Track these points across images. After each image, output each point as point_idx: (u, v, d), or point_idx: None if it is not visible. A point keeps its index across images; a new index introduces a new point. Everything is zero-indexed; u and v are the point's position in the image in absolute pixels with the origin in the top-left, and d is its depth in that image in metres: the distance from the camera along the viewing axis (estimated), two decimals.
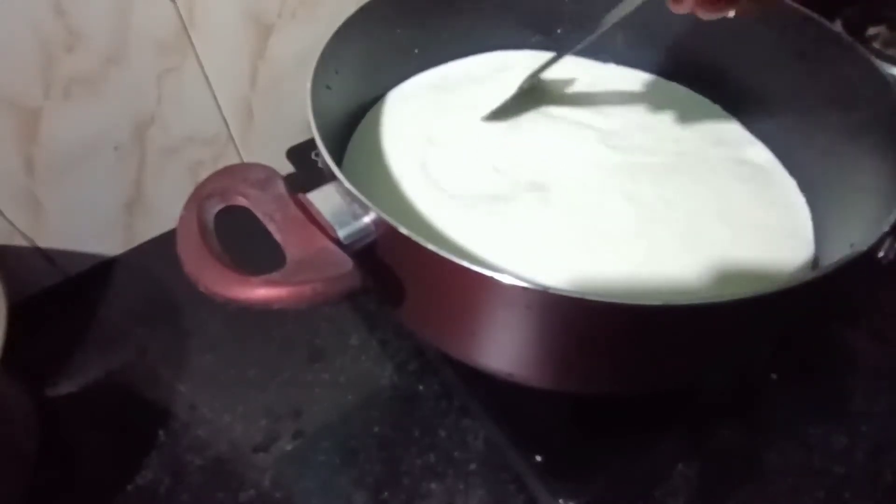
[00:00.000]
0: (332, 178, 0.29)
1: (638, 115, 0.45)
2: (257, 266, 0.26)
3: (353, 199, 0.28)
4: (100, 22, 0.40)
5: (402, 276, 0.30)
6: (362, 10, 0.39)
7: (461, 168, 0.40)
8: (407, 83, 0.47)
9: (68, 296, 0.48)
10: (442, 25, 0.47)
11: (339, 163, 0.37)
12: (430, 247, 0.25)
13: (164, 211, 0.51)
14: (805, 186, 0.40)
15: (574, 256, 0.35)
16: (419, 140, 0.43)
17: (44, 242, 0.46)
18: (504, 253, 0.35)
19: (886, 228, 0.27)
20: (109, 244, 0.51)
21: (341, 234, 0.28)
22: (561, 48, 0.49)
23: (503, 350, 0.31)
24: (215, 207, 0.29)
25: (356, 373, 0.43)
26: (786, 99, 0.42)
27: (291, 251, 0.27)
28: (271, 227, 0.28)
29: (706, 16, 0.33)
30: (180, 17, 0.42)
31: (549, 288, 0.23)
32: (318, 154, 0.30)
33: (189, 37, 0.44)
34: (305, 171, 0.51)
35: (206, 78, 0.47)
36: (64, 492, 0.38)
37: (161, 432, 0.41)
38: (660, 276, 0.34)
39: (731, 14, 0.42)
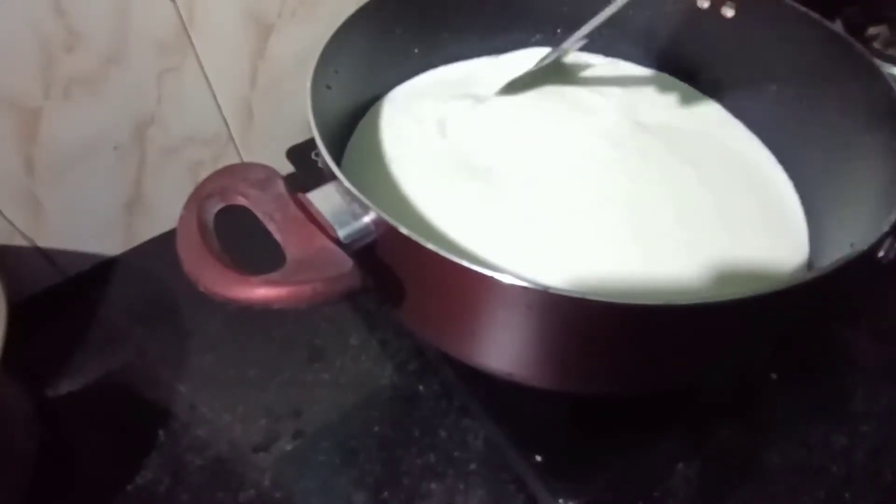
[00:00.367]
0: (332, 177, 0.29)
1: (637, 113, 0.45)
2: (257, 266, 0.26)
3: (353, 198, 0.28)
4: (100, 22, 0.40)
5: (402, 276, 0.30)
6: (362, 10, 0.39)
7: (461, 168, 0.40)
8: (407, 83, 0.47)
9: (68, 296, 0.48)
10: (442, 25, 0.47)
11: (338, 162, 0.37)
12: (430, 246, 0.25)
13: (164, 211, 0.51)
14: (805, 186, 0.40)
15: (574, 256, 0.35)
16: (419, 139, 0.43)
17: (44, 242, 0.46)
18: (504, 252, 0.35)
19: (886, 228, 0.27)
20: (109, 244, 0.51)
21: (341, 233, 0.28)
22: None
23: (503, 350, 0.31)
24: (215, 207, 0.29)
25: (356, 373, 0.43)
26: (785, 99, 0.42)
27: (291, 251, 0.27)
28: (271, 227, 0.28)
29: None
30: (180, 16, 0.42)
31: (549, 288, 0.23)
32: (317, 154, 0.30)
33: (189, 37, 0.44)
34: (305, 170, 0.51)
35: (206, 78, 0.47)
36: (64, 492, 0.38)
37: (161, 432, 0.41)
38: (659, 276, 0.34)
39: (731, 14, 0.42)
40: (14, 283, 0.38)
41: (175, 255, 0.26)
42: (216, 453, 0.40)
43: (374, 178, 0.40)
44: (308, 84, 0.33)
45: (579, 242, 0.36)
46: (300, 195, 0.29)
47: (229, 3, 0.44)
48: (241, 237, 0.30)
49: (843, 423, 0.40)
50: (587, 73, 0.49)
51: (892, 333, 0.45)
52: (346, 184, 0.28)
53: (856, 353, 0.44)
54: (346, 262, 0.26)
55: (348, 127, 0.43)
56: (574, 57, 0.50)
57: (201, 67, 0.46)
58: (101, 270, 0.50)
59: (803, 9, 0.38)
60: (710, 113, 0.46)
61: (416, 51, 0.47)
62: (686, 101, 0.47)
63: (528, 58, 0.50)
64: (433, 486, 0.38)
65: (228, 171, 0.30)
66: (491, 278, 0.24)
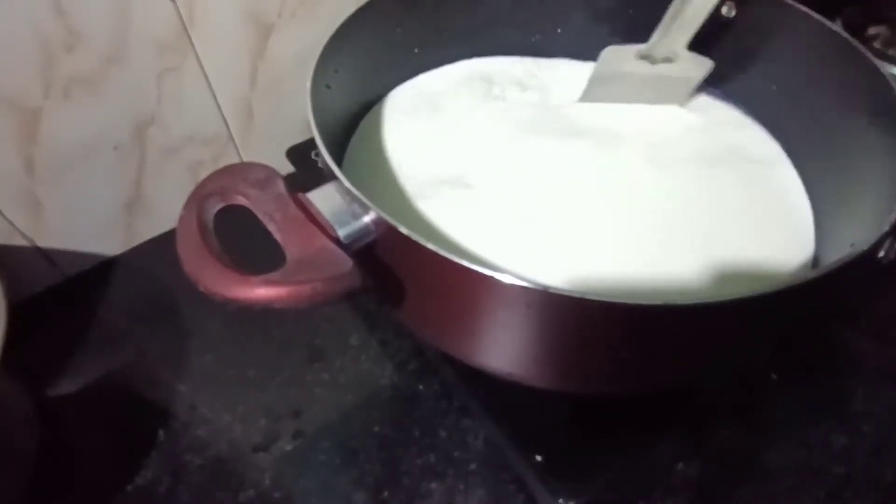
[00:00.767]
0: (332, 177, 0.29)
1: (638, 112, 0.45)
2: (257, 266, 0.26)
3: (353, 198, 0.28)
4: (100, 22, 0.40)
5: (402, 276, 0.30)
6: (362, 10, 0.39)
7: (461, 168, 0.40)
8: (407, 83, 0.47)
9: (68, 296, 0.48)
10: (442, 25, 0.47)
11: (338, 162, 0.37)
12: (430, 246, 0.25)
13: (164, 211, 0.51)
14: (805, 185, 0.40)
15: (574, 256, 0.35)
16: (419, 140, 0.43)
17: (44, 242, 0.46)
18: (504, 252, 0.35)
19: (886, 228, 0.27)
20: (109, 244, 0.51)
21: (341, 233, 0.28)
22: (562, 48, 0.49)
23: (503, 350, 0.31)
24: (215, 207, 0.29)
25: (356, 373, 0.43)
26: (785, 98, 0.42)
27: (291, 251, 0.27)
28: (271, 227, 0.28)
29: None
30: (180, 16, 0.42)
31: (549, 287, 0.23)
32: (317, 154, 0.30)
33: (189, 36, 0.44)
34: (305, 170, 0.51)
35: (206, 78, 0.47)
36: (64, 492, 0.38)
37: (161, 432, 0.41)
38: (660, 276, 0.34)
39: (731, 14, 0.42)
40: (14, 283, 0.38)
41: (175, 255, 0.26)
42: (216, 453, 0.40)
43: (374, 177, 0.40)
44: (308, 84, 0.33)
45: (580, 242, 0.36)
46: (300, 195, 0.29)
47: (229, 3, 0.44)
48: (241, 237, 0.30)
49: (843, 423, 0.40)
50: (585, 73, 0.49)
51: (892, 333, 0.45)
52: (346, 184, 0.28)
53: (856, 353, 0.44)
54: (346, 262, 0.26)
55: (348, 127, 0.43)
56: (572, 62, 0.50)
57: (201, 67, 0.46)
58: (101, 270, 0.50)
59: (803, 8, 0.38)
60: (713, 113, 0.46)
61: (416, 51, 0.47)
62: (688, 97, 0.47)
63: (528, 57, 0.50)
64: (433, 486, 0.38)
65: (228, 170, 0.30)
66: (491, 278, 0.24)
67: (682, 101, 0.46)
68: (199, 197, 0.28)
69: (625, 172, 0.40)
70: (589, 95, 0.46)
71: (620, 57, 0.43)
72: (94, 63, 0.41)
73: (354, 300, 0.47)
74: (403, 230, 0.25)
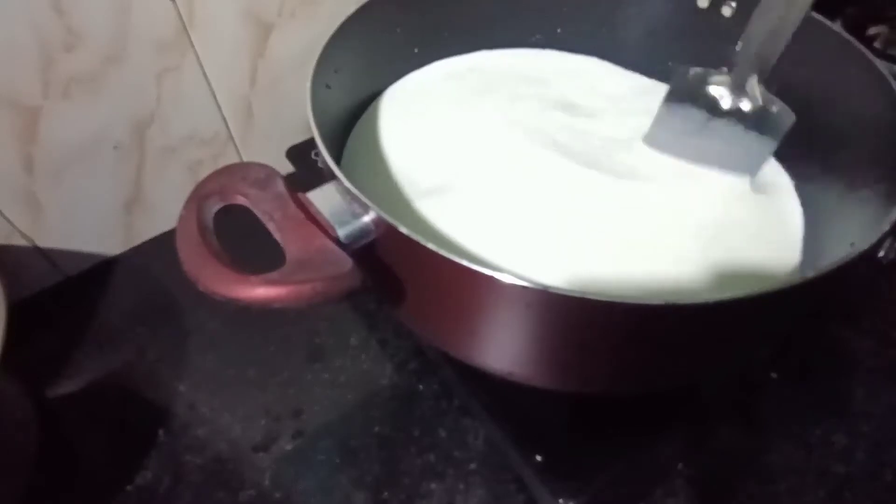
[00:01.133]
0: (332, 177, 0.29)
1: (637, 113, 0.45)
2: (257, 265, 0.26)
3: (353, 198, 0.28)
4: (99, 21, 0.40)
5: (401, 276, 0.30)
6: (362, 9, 0.39)
7: (461, 167, 0.40)
8: (405, 80, 0.47)
9: (68, 296, 0.48)
10: (442, 24, 0.47)
11: (338, 162, 0.37)
12: (430, 246, 0.25)
13: (164, 210, 0.51)
14: (805, 186, 0.40)
15: (574, 256, 0.35)
16: (418, 138, 0.42)
17: (43, 242, 0.46)
18: (504, 252, 0.35)
19: (886, 228, 0.27)
20: (109, 244, 0.51)
21: (341, 233, 0.28)
22: (561, 47, 0.49)
23: (503, 349, 0.31)
24: (215, 207, 0.29)
25: (356, 372, 0.43)
26: (785, 98, 0.41)
27: (291, 250, 0.26)
28: (271, 227, 0.28)
29: None
30: (180, 16, 0.42)
31: (548, 287, 0.23)
32: (317, 153, 0.30)
33: (189, 36, 0.44)
34: (305, 170, 0.51)
35: (206, 77, 0.47)
36: (64, 492, 0.38)
37: (161, 432, 0.41)
38: (659, 276, 0.34)
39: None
40: (14, 283, 0.38)
41: (175, 254, 0.26)
42: (216, 453, 0.40)
43: (374, 177, 0.40)
44: (308, 84, 0.33)
45: (579, 242, 0.36)
46: (300, 194, 0.29)
47: (229, 3, 0.44)
48: (240, 237, 0.30)
49: (843, 423, 0.40)
50: (586, 75, 0.49)
51: (892, 333, 0.45)
52: (346, 183, 0.28)
53: (856, 353, 0.44)
54: (346, 262, 0.26)
55: (348, 126, 0.43)
56: (572, 59, 0.50)
57: (201, 67, 0.46)
58: (101, 270, 0.50)
59: None
60: None
61: (415, 50, 0.47)
62: None
63: (528, 56, 0.50)
64: (433, 485, 0.38)
65: (228, 170, 0.30)
66: (491, 278, 0.24)
67: (755, 168, 0.38)
68: (198, 196, 0.28)
69: (623, 174, 0.40)
70: (653, 139, 0.40)
71: (695, 79, 0.38)
72: (94, 63, 0.41)
73: (354, 300, 0.47)
74: (403, 230, 0.25)
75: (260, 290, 0.25)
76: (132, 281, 0.50)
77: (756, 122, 0.37)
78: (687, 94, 0.38)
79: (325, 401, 0.42)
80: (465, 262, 0.24)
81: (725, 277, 0.34)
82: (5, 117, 0.40)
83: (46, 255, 0.47)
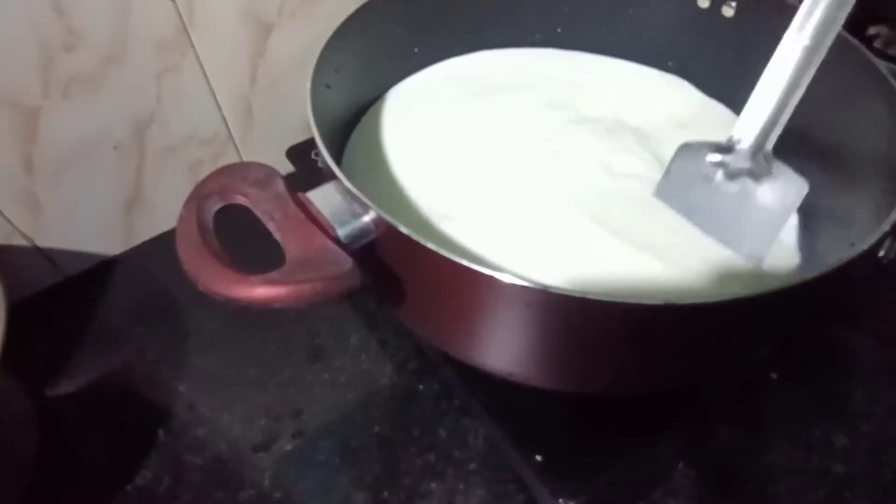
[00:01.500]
0: (332, 177, 0.29)
1: (636, 113, 0.45)
2: (257, 265, 0.26)
3: (353, 198, 0.28)
4: (99, 21, 0.40)
5: (401, 275, 0.30)
6: (362, 9, 0.39)
7: (461, 167, 0.40)
8: (407, 81, 0.47)
9: (68, 296, 0.48)
10: (442, 24, 0.47)
11: (338, 162, 0.37)
12: (430, 246, 0.25)
13: (164, 210, 0.51)
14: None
15: (574, 256, 0.35)
16: (418, 139, 0.43)
17: (43, 242, 0.46)
18: (504, 252, 0.35)
19: (887, 228, 0.27)
20: (109, 244, 0.51)
21: (341, 233, 0.28)
22: (561, 47, 0.49)
23: (503, 349, 0.31)
24: (215, 206, 0.29)
25: (356, 372, 0.43)
26: None
27: (291, 250, 0.26)
28: (271, 226, 0.28)
29: None
30: (180, 16, 0.42)
31: (548, 287, 0.23)
32: (317, 153, 0.30)
33: (189, 36, 0.44)
34: (305, 170, 0.51)
35: (206, 77, 0.47)
36: (64, 492, 0.38)
37: (161, 432, 0.41)
38: (659, 276, 0.34)
39: (731, 14, 0.42)
40: (14, 283, 0.38)
41: (175, 254, 0.26)
42: (216, 453, 0.40)
43: (373, 177, 0.40)
44: (308, 83, 0.33)
45: (580, 242, 0.36)
46: (300, 194, 0.29)
47: (229, 3, 0.44)
48: (240, 237, 0.30)
49: (843, 423, 0.40)
50: (585, 75, 0.49)
51: (892, 333, 0.45)
52: (346, 183, 0.28)
53: (856, 353, 0.44)
54: (346, 262, 0.26)
55: (348, 126, 0.43)
56: (572, 58, 0.50)
57: (201, 67, 0.46)
58: (101, 270, 0.50)
59: None
60: (712, 112, 0.46)
61: (416, 50, 0.47)
62: (684, 100, 0.47)
63: (528, 56, 0.50)
64: (433, 485, 0.38)
65: (228, 170, 0.30)
66: (490, 277, 0.24)
67: (764, 250, 0.35)
68: (198, 196, 0.28)
69: (623, 173, 0.40)
70: (662, 193, 0.38)
71: (695, 156, 0.36)
72: (94, 62, 0.41)
73: (354, 300, 0.47)
74: (403, 229, 0.25)
75: (260, 290, 0.25)
76: (132, 281, 0.50)
77: (765, 194, 0.35)
78: (693, 167, 0.37)
79: (325, 401, 0.42)
80: (465, 262, 0.24)
81: (725, 277, 0.34)
82: (5, 117, 0.40)
83: (46, 255, 0.47)
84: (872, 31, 0.52)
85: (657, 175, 0.40)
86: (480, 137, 0.43)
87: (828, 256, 0.35)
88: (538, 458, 0.35)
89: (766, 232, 0.35)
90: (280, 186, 0.29)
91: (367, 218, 0.28)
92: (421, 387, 0.42)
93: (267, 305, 0.25)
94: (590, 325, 0.26)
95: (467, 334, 0.32)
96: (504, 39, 0.50)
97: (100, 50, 0.41)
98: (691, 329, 0.27)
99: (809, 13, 0.32)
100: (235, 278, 0.25)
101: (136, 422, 0.41)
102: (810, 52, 0.32)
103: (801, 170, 0.41)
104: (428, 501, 0.38)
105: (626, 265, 0.35)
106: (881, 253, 0.27)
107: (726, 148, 0.36)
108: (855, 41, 0.36)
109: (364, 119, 0.44)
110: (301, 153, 0.52)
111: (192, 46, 0.44)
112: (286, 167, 0.52)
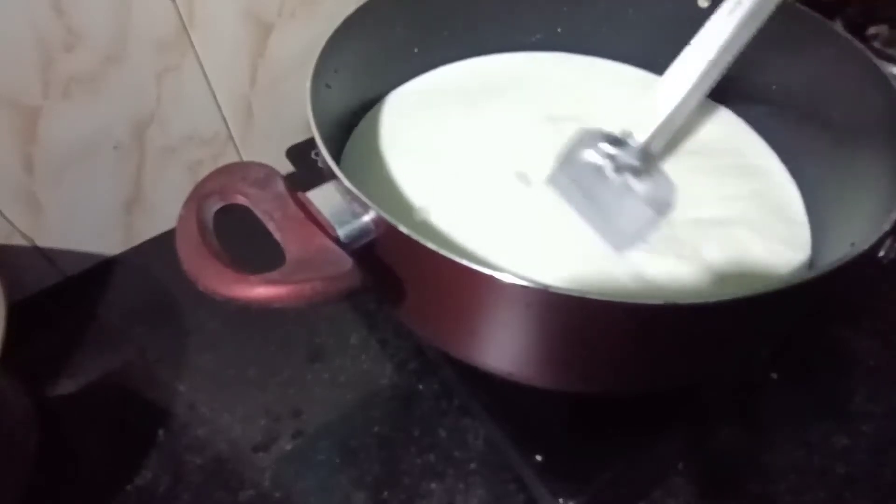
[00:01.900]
0: (332, 176, 0.29)
1: (636, 114, 0.45)
2: (257, 265, 0.26)
3: (353, 197, 0.28)
4: (99, 21, 0.40)
5: (401, 275, 0.30)
6: (362, 9, 0.39)
7: (460, 167, 0.40)
8: (408, 84, 0.47)
9: (68, 296, 0.48)
10: (442, 25, 0.47)
11: (338, 162, 0.37)
12: (430, 245, 0.25)
13: (164, 210, 0.51)
14: (805, 185, 0.40)
15: (574, 255, 0.35)
16: (418, 139, 0.43)
17: (43, 242, 0.46)
18: (504, 251, 0.35)
19: (887, 228, 0.27)
20: (109, 244, 0.51)
21: (341, 232, 0.28)
22: (563, 48, 0.49)
23: (503, 349, 0.31)
24: (215, 206, 0.29)
25: (356, 372, 0.43)
26: (786, 98, 0.41)
27: (291, 250, 0.26)
28: (271, 226, 0.28)
29: None
30: (180, 16, 0.42)
31: (549, 287, 0.23)
32: (317, 153, 0.30)
33: (189, 36, 0.44)
34: (305, 170, 0.51)
35: (206, 77, 0.47)
36: (64, 492, 0.38)
37: (160, 432, 0.41)
38: (660, 275, 0.34)
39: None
40: (14, 283, 0.38)
41: (175, 254, 0.26)
42: (216, 453, 0.40)
43: (373, 177, 0.40)
44: (308, 83, 0.33)
45: (580, 241, 0.36)
46: (300, 194, 0.29)
47: (229, 3, 0.44)
48: (240, 236, 0.30)
49: (843, 423, 0.40)
50: (585, 79, 0.49)
51: (892, 333, 0.45)
52: (346, 183, 0.28)
53: (856, 353, 0.44)
54: (346, 262, 0.26)
55: (348, 126, 0.43)
56: (572, 61, 0.50)
57: (201, 67, 0.46)
58: (101, 270, 0.50)
59: (804, 8, 0.38)
60: (711, 114, 0.46)
61: (416, 50, 0.47)
62: None
63: (528, 56, 0.50)
64: (433, 485, 0.38)
65: (228, 170, 0.30)
66: (490, 277, 0.24)
67: (622, 243, 0.36)
68: (198, 196, 0.28)
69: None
70: (555, 181, 0.39)
71: (588, 144, 0.37)
72: (94, 62, 0.41)
73: (354, 300, 0.47)
74: (403, 229, 0.25)
75: (260, 290, 0.25)
76: (132, 281, 0.50)
77: (641, 192, 0.36)
78: (585, 156, 0.37)
79: (325, 401, 0.42)
80: (465, 262, 0.24)
81: (725, 277, 0.34)
82: (5, 117, 0.40)
83: (46, 255, 0.47)
84: (872, 31, 0.52)
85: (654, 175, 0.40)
86: (480, 139, 0.43)
87: (828, 256, 0.35)
88: (538, 458, 0.35)
89: (633, 227, 0.36)
90: (280, 186, 0.29)
91: (366, 218, 0.28)
92: (421, 387, 0.42)
93: (267, 305, 0.25)
94: (590, 325, 0.26)
95: (467, 334, 0.32)
96: (504, 39, 0.50)
97: (100, 50, 0.41)
98: (691, 329, 0.27)
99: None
100: (235, 278, 0.25)
101: (136, 422, 0.41)
102: (710, 65, 0.35)
103: (801, 169, 0.41)
104: (428, 501, 0.38)
105: (627, 265, 0.35)
106: (881, 253, 0.27)
107: (619, 141, 0.37)
108: (855, 41, 0.36)
109: (364, 120, 0.44)
110: (301, 153, 0.52)
111: (192, 46, 0.44)
112: (286, 167, 0.52)
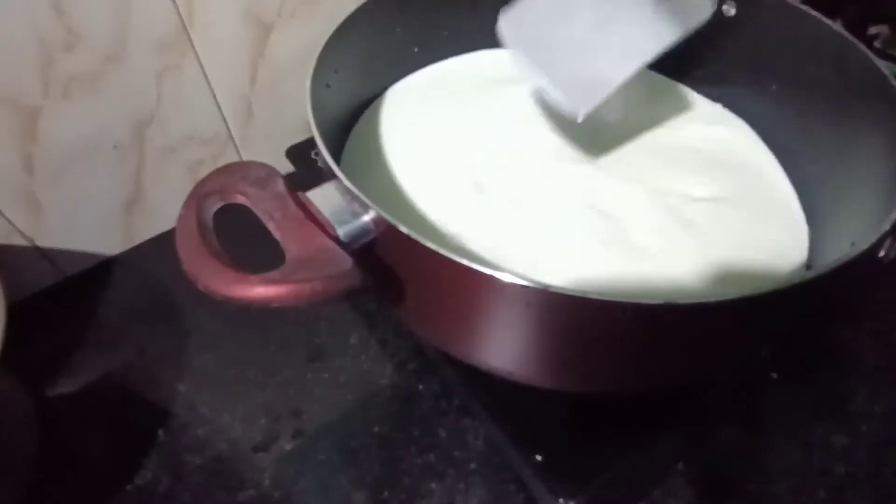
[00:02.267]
0: (332, 176, 0.29)
1: (636, 114, 0.45)
2: (256, 264, 0.26)
3: (353, 197, 0.28)
4: (99, 21, 0.40)
5: (401, 275, 0.30)
6: (362, 9, 0.39)
7: (459, 166, 0.40)
8: (406, 80, 0.47)
9: (68, 296, 0.48)
10: (442, 23, 0.47)
11: (338, 161, 0.37)
12: (430, 245, 0.25)
13: (164, 210, 0.51)
14: (805, 185, 0.40)
15: (574, 255, 0.35)
16: (418, 137, 0.42)
17: (43, 242, 0.46)
18: (504, 251, 0.35)
19: (887, 228, 0.27)
20: (109, 244, 0.51)
21: (341, 232, 0.28)
22: None
23: (503, 349, 0.31)
24: (214, 206, 0.29)
25: (356, 372, 0.43)
26: (786, 98, 0.41)
27: (291, 249, 0.26)
28: (270, 226, 0.28)
29: None
30: (180, 15, 0.42)
31: (549, 287, 0.23)
32: (317, 153, 0.30)
33: (188, 35, 0.44)
34: (305, 169, 0.51)
35: (206, 77, 0.47)
36: (64, 492, 0.38)
37: (160, 432, 0.41)
38: (659, 276, 0.34)
39: (731, 13, 0.42)
40: (14, 282, 0.38)
41: (174, 254, 0.26)
42: (216, 453, 0.40)
43: (373, 176, 0.40)
44: (308, 83, 0.33)
45: (580, 241, 0.36)
46: (300, 194, 0.29)
47: (229, 3, 0.44)
48: (240, 236, 0.30)
49: (843, 423, 0.40)
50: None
51: (892, 333, 0.45)
52: (346, 182, 0.28)
53: (856, 353, 0.44)
54: (346, 261, 0.26)
55: (348, 125, 0.43)
56: None
57: (201, 66, 0.46)
58: (101, 270, 0.50)
59: (804, 8, 0.38)
60: (711, 112, 0.46)
61: (415, 50, 0.47)
62: (684, 101, 0.47)
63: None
64: (433, 485, 0.38)
65: (228, 169, 0.30)
66: (491, 277, 0.24)
67: (599, 94, 0.32)
68: (198, 196, 0.28)
69: (623, 174, 0.40)
70: (507, 20, 0.35)
71: None
72: (94, 62, 0.41)
73: (354, 300, 0.47)
74: (403, 229, 0.25)
75: (260, 290, 0.25)
76: (132, 281, 0.50)
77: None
78: None
79: (325, 401, 0.42)
80: (465, 262, 0.24)
81: (725, 277, 0.34)
82: (5, 117, 0.40)
83: (46, 255, 0.47)
84: (872, 31, 0.52)
85: (657, 174, 0.40)
86: (480, 135, 0.43)
87: (828, 256, 0.35)
88: (538, 458, 0.35)
89: (633, 52, 0.30)
90: (280, 186, 0.29)
91: (366, 217, 0.28)
92: (421, 387, 0.42)
93: (267, 305, 0.25)
94: (590, 325, 0.26)
95: (467, 334, 0.32)
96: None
97: (100, 50, 0.41)
98: (691, 329, 0.27)
99: None
100: (235, 278, 0.25)
101: (136, 422, 0.41)
102: None
103: (801, 169, 0.41)
104: (428, 501, 0.38)
105: (627, 265, 0.35)
106: (881, 253, 0.27)
107: None
108: (855, 41, 0.36)
109: (363, 118, 0.44)
110: (301, 153, 0.52)
111: (192, 46, 0.44)
112: (286, 167, 0.52)
